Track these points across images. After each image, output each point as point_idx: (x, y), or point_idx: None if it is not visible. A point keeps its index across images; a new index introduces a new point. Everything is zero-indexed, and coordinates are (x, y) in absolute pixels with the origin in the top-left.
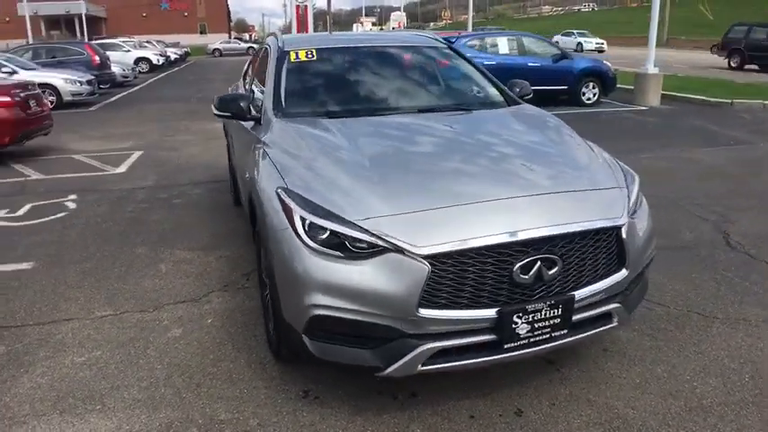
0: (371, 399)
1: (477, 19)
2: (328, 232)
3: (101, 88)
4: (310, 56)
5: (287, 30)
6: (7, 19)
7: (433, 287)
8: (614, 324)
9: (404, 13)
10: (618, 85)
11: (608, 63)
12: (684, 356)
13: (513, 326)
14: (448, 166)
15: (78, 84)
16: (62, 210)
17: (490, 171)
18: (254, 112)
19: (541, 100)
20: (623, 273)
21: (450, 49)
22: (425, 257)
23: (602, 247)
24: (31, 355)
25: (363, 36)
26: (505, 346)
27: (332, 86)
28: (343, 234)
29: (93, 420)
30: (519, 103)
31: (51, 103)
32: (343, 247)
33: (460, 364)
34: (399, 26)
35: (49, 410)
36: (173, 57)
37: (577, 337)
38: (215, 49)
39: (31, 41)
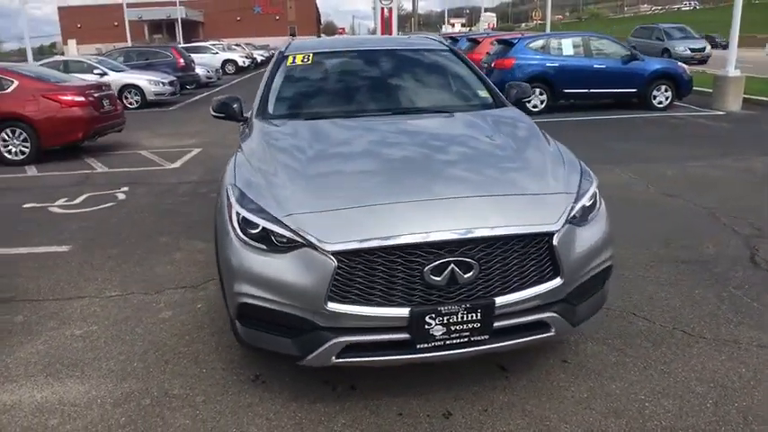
0: (313, 387)
1: (571, 19)
2: (260, 227)
3: (186, 89)
4: (306, 60)
5: (373, 32)
6: (116, 23)
7: (341, 283)
8: (551, 334)
9: (494, 14)
10: (698, 89)
11: (683, 65)
12: (647, 375)
13: (427, 327)
14: (386, 166)
15: (161, 84)
16: (112, 200)
17: (425, 173)
18: (246, 114)
19: (609, 104)
20: (557, 282)
21: (451, 51)
22: (333, 253)
23: (529, 254)
24: (41, 325)
25: (368, 39)
26: (418, 346)
27: (320, 89)
28: (267, 228)
29: (70, 384)
30: (506, 106)
31: (137, 102)
32: (268, 241)
33: (375, 360)
34: (489, 27)
35: (38, 373)
36: (259, 59)
37: (504, 343)
38: None
39: (129, 44)
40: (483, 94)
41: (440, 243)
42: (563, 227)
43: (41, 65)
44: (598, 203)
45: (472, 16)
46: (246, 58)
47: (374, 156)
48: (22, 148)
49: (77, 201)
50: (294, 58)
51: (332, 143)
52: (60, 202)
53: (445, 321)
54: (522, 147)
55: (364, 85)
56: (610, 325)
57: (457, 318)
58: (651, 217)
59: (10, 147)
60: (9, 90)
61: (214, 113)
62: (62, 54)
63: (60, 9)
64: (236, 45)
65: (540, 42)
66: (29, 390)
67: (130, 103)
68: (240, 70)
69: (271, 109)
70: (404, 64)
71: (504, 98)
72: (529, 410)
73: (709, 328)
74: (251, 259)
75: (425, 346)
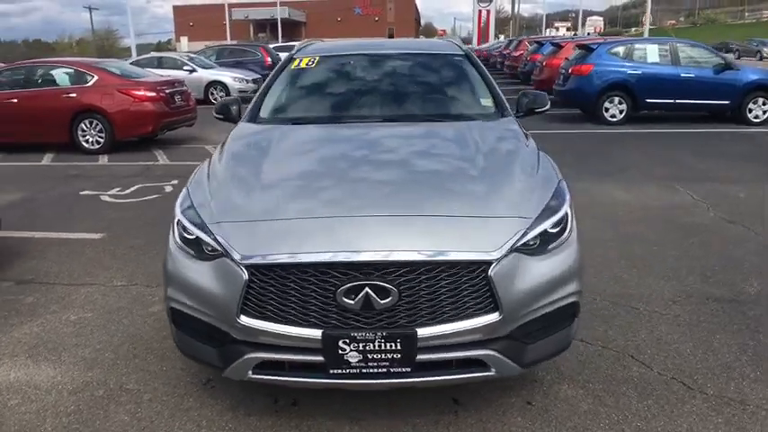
0: (256, 399)
1: (685, 25)
2: (194, 234)
3: None
4: (311, 63)
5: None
6: (224, 22)
7: (255, 297)
8: (490, 373)
9: (600, 18)
10: None
11: None
12: (617, 430)
13: (341, 352)
14: (332, 178)
15: (245, 82)
16: (158, 192)
17: (370, 189)
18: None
19: (699, 117)
20: (494, 317)
21: (466, 57)
22: (245, 266)
23: (462, 283)
24: (45, 308)
25: (383, 43)
26: (331, 371)
27: (315, 94)
28: (197, 236)
29: (43, 368)
30: (506, 117)
31: (221, 98)
32: (198, 248)
33: (290, 381)
34: (596, 30)
35: (22, 354)
36: None
37: (430, 379)
38: None
39: (232, 43)
40: (486, 103)
41: (354, 264)
42: (505, 256)
43: (136, 61)
44: (567, 231)
45: (578, 20)
46: None
47: (329, 167)
48: (98, 139)
49: (128, 191)
50: (300, 60)
51: (295, 151)
52: (113, 191)
53: (361, 348)
54: (494, 164)
55: (361, 90)
56: (598, 366)
57: (374, 346)
58: (699, 245)
59: (87, 137)
60: (90, 84)
61: (215, 115)
62: (174, 50)
63: (175, 8)
64: None
65: (622, 48)
66: (6, 369)
67: (215, 99)
68: None
69: (262, 112)
70: (409, 69)
71: (508, 109)
72: None
73: (716, 381)
74: (181, 265)
75: (339, 372)
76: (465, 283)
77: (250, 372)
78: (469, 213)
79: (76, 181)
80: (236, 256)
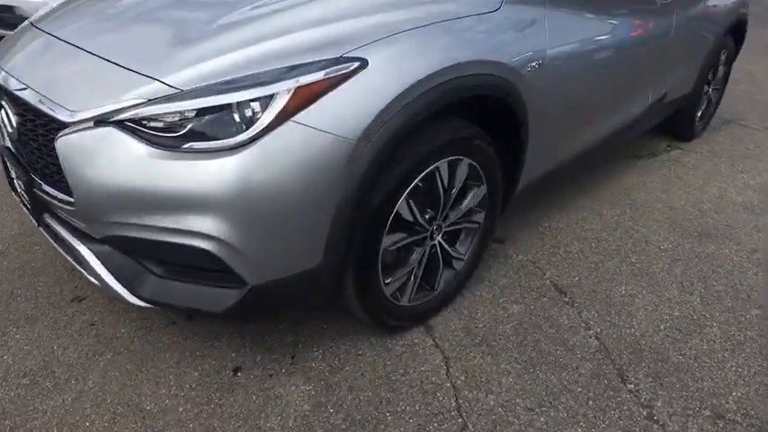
0: None
1: None
2: None
3: None
4: None
5: None
6: None
7: None
8: (94, 281)
9: None
10: None
11: None
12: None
13: (10, 173)
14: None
15: None
16: None
17: (124, 25)
18: None
19: None
20: (66, 197)
21: None
22: None
23: (49, 140)
24: None
25: None
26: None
27: None
28: None
29: None
30: None
31: None
32: None
33: None
34: None
35: None
36: None
37: (58, 248)
38: None
39: None
40: None
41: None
42: (88, 125)
43: None
44: (247, 132)
45: None
46: None
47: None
48: None
49: None
50: None
51: None
52: None
53: (14, 174)
54: (277, 20)
55: None
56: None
57: (18, 174)
58: None
59: None
60: None
61: None
62: None
63: None
64: None
65: None
66: None
67: None
68: None
69: None
70: None
71: None
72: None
73: None
74: None
75: (16, 191)
76: (51, 143)
77: None
78: (121, 61)
79: None
80: None
